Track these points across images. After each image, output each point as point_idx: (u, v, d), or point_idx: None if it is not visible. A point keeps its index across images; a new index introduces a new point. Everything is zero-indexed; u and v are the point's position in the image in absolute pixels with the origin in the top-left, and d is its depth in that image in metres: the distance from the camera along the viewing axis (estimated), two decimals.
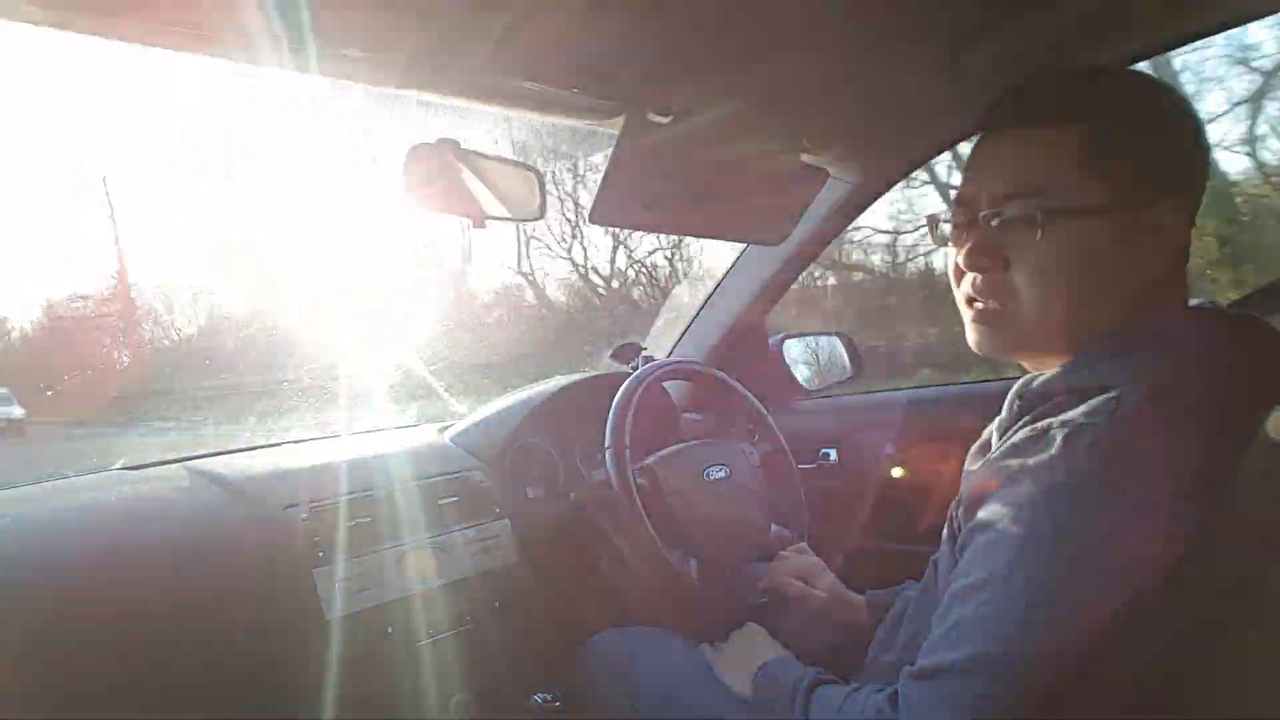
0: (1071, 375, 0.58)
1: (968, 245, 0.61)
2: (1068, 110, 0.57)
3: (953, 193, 0.68)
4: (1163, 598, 0.49)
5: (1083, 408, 0.53)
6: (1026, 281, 0.58)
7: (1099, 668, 0.51)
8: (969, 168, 0.63)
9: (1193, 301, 0.60)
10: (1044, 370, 0.61)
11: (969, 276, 0.62)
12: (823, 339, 1.72)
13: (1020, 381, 0.63)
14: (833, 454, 1.43)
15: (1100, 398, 0.53)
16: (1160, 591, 0.49)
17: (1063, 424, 0.53)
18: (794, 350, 1.61)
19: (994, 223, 0.59)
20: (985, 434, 0.67)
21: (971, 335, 0.64)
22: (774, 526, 1.16)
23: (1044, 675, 0.50)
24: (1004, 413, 0.63)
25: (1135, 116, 0.58)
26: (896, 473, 1.35)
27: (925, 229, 0.69)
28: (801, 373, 1.61)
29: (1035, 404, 0.59)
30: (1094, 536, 0.49)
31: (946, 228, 0.64)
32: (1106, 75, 0.63)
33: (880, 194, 1.26)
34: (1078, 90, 0.59)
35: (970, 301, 0.63)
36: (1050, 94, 0.60)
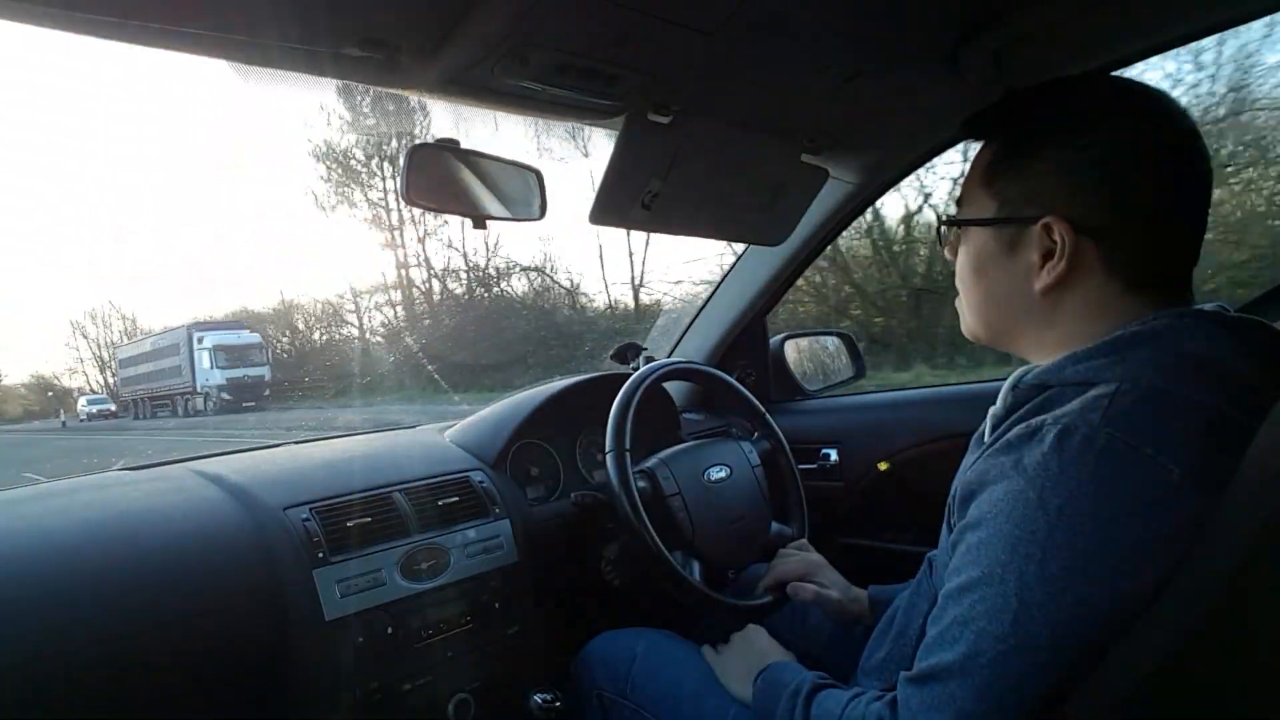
0: (1066, 369, 0.58)
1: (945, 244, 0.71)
2: (989, 128, 0.65)
3: None
4: (1157, 595, 0.49)
5: (1076, 404, 0.53)
6: (957, 277, 0.68)
7: (1094, 666, 0.51)
8: None
9: (1204, 305, 0.60)
10: (1039, 363, 0.62)
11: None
12: (823, 339, 1.73)
13: (1015, 374, 0.63)
14: (833, 454, 1.43)
15: (1094, 394, 0.53)
16: (1155, 589, 0.49)
17: (1056, 420, 0.53)
18: (794, 350, 1.61)
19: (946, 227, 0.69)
20: (981, 427, 0.67)
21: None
22: (774, 525, 1.16)
23: (1039, 673, 0.50)
24: (998, 404, 0.63)
25: (1031, 136, 0.60)
26: (896, 472, 1.35)
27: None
28: (802, 373, 1.61)
29: (1030, 396, 0.60)
30: (1085, 533, 0.49)
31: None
32: (1040, 92, 0.62)
33: (880, 194, 1.26)
34: (1001, 111, 0.64)
35: None
36: (989, 112, 0.65)
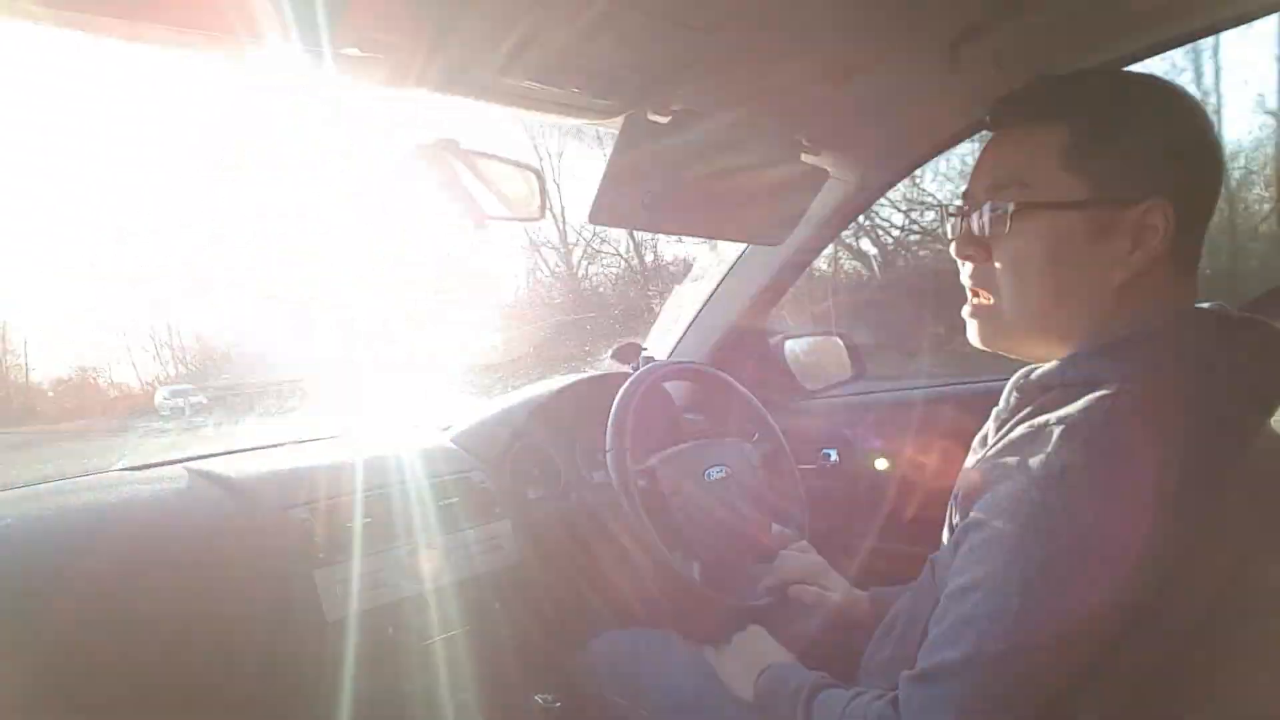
0: (1070, 369, 0.58)
1: (959, 235, 0.64)
2: (1056, 109, 0.59)
3: None
4: (1159, 595, 0.49)
5: (1079, 404, 0.53)
6: (1005, 271, 0.61)
7: (1096, 665, 0.51)
8: (975, 165, 0.66)
9: (1205, 304, 0.60)
10: (1042, 363, 0.62)
11: (965, 267, 0.65)
12: (823, 339, 1.72)
13: (1019, 373, 0.63)
14: (833, 454, 1.43)
15: (1096, 394, 0.53)
16: (1157, 589, 0.49)
17: (1059, 420, 0.53)
18: (794, 350, 1.61)
19: (979, 213, 0.61)
20: (984, 427, 0.67)
21: (968, 329, 0.67)
22: (775, 526, 1.15)
23: (1041, 673, 0.50)
24: (1002, 404, 0.63)
25: (1123, 116, 0.58)
26: (897, 472, 1.35)
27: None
28: (801, 373, 1.61)
29: (1034, 396, 0.60)
30: (1089, 533, 0.49)
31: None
32: (1101, 76, 0.64)
33: (880, 194, 1.26)
34: (1068, 90, 0.61)
35: (971, 296, 0.66)
36: (1043, 94, 0.62)
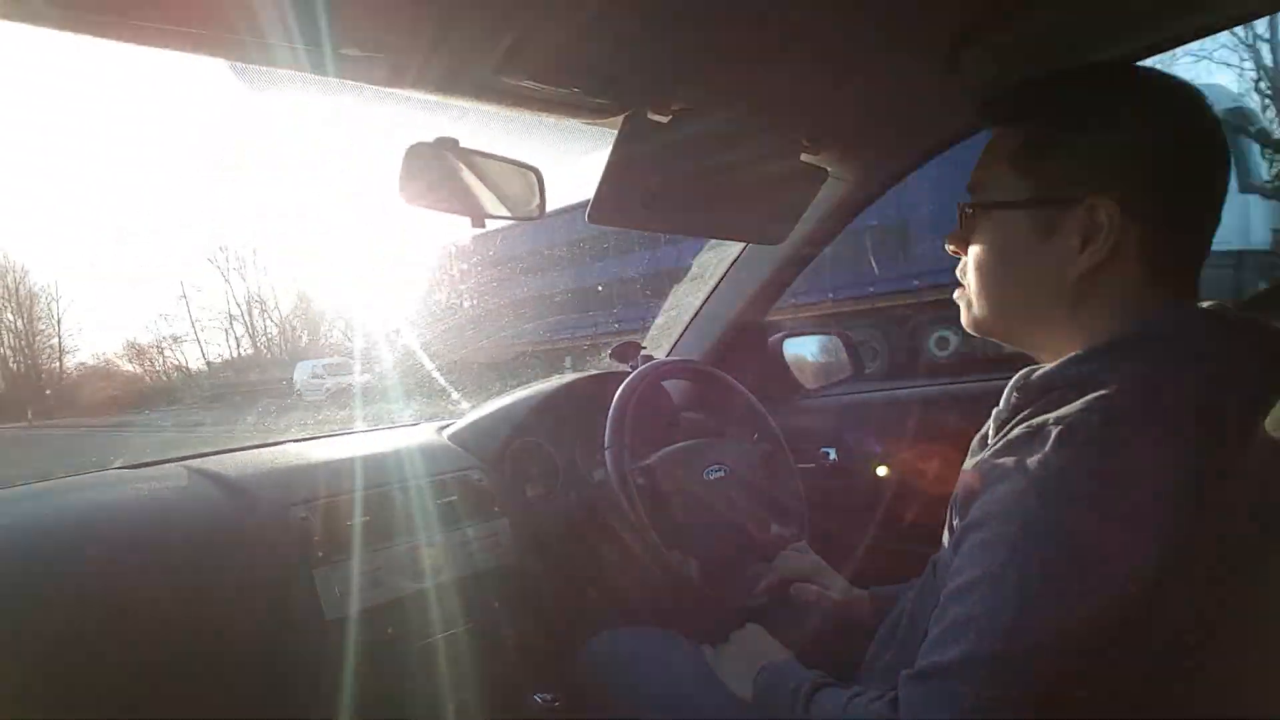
0: (1070, 370, 0.58)
1: (951, 231, 0.69)
2: (1015, 112, 0.64)
3: None
4: (1158, 596, 0.50)
5: (1078, 404, 0.53)
6: (971, 266, 0.66)
7: (1096, 666, 0.51)
8: None
9: (1205, 304, 0.60)
10: (1043, 362, 0.62)
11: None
12: (822, 338, 1.73)
13: (1019, 374, 0.63)
14: (833, 453, 1.43)
15: (1095, 394, 0.53)
16: (1155, 589, 0.49)
17: (1058, 421, 0.53)
18: (794, 349, 1.61)
19: (962, 212, 0.66)
20: (984, 428, 0.68)
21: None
22: (774, 527, 1.16)
23: (1040, 674, 0.50)
24: (1001, 404, 0.63)
25: (1083, 117, 0.59)
26: (897, 472, 1.35)
27: None
28: (801, 372, 1.61)
29: (1034, 397, 0.60)
30: (1088, 533, 0.49)
31: None
32: (1077, 76, 0.63)
33: (880, 194, 1.26)
34: (1034, 93, 0.64)
35: (957, 285, 0.70)
36: (1011, 98, 0.65)
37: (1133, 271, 0.58)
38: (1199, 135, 0.58)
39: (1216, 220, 0.59)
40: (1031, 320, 0.63)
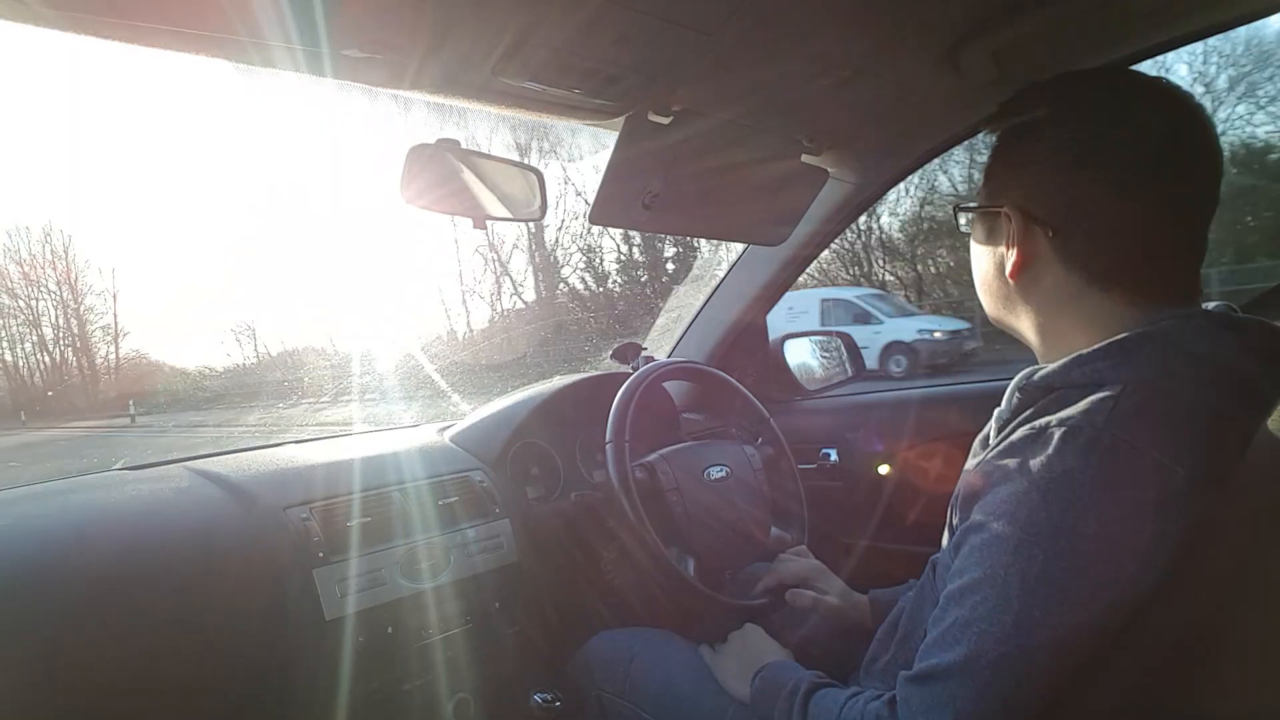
0: (1072, 370, 0.58)
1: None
2: (996, 121, 0.65)
3: None
4: (1159, 596, 0.49)
5: (1081, 405, 0.53)
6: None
7: (1095, 666, 0.51)
8: None
9: (1209, 305, 0.59)
10: (1046, 362, 0.62)
11: None
12: (823, 339, 1.73)
13: (1021, 374, 0.63)
14: (833, 454, 1.43)
15: (1097, 396, 0.53)
16: (1156, 590, 0.49)
17: (1060, 422, 0.53)
18: (794, 350, 1.61)
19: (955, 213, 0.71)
20: (985, 428, 0.67)
21: None
22: (774, 530, 1.15)
23: (1040, 675, 0.50)
24: (1004, 404, 0.63)
25: (1031, 124, 0.61)
26: (897, 472, 1.35)
27: None
28: (801, 373, 1.61)
29: (1036, 397, 0.60)
30: (1089, 536, 0.49)
31: None
32: (1044, 84, 0.62)
33: (881, 194, 1.26)
34: (1007, 105, 0.64)
35: None
36: (1001, 108, 0.65)
37: (1063, 274, 0.60)
38: (1157, 134, 0.56)
39: (1196, 221, 0.57)
40: (1002, 312, 0.67)
